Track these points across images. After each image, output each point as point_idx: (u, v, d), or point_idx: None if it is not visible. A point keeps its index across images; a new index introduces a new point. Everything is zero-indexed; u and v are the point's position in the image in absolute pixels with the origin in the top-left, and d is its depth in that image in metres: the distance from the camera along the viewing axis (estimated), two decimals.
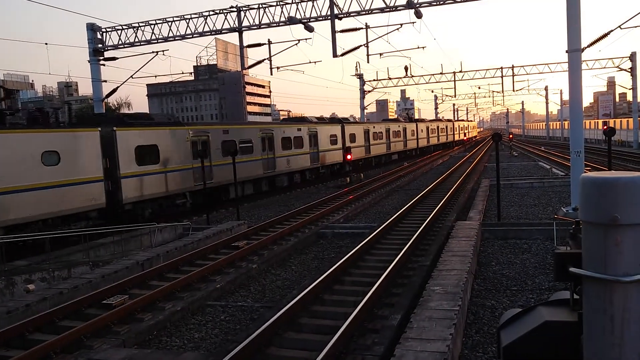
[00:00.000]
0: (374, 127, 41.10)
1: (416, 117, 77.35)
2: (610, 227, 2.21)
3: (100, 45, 26.52)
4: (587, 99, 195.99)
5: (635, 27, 28.62)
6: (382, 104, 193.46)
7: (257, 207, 22.85)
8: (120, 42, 26.33)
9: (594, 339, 2.31)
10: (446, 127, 70.18)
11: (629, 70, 50.65)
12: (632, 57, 50.34)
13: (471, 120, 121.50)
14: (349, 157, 33.52)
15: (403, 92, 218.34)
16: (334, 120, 37.21)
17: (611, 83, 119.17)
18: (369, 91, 52.57)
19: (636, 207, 2.19)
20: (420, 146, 54.84)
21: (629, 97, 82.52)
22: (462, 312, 8.01)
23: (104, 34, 26.56)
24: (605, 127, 17.61)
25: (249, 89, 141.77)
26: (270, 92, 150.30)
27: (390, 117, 61.06)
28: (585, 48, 23.69)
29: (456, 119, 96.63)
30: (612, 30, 24.81)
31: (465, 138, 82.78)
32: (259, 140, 25.28)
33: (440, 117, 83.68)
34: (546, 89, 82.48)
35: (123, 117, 20.47)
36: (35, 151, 14.77)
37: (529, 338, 2.96)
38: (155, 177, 19.02)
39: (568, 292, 3.11)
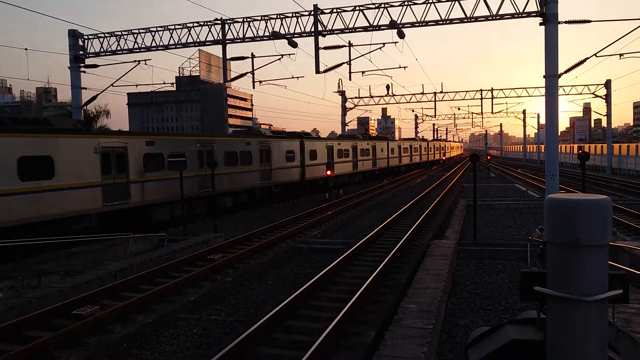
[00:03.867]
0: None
1: (396, 136, 76.54)
2: (573, 247, 2.28)
3: (81, 52, 26.28)
4: (563, 124, 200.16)
5: (611, 55, 29.60)
6: (363, 122, 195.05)
7: (234, 220, 22.72)
8: (102, 50, 26.13)
9: (557, 357, 2.36)
10: (374, 148, 45.05)
11: (604, 97, 51.98)
12: (607, 84, 51.74)
13: (450, 140, 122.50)
14: (329, 172, 33.60)
15: (384, 110, 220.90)
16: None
17: (587, 109, 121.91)
18: (351, 108, 52.92)
19: (598, 229, 2.27)
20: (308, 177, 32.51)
21: (604, 123, 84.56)
22: (436, 331, 8.04)
23: (86, 40, 26.35)
24: (580, 151, 18.00)
25: (230, 101, 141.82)
26: (252, 105, 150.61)
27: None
28: (562, 74, 24.28)
29: (435, 138, 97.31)
30: (588, 58, 25.52)
31: (445, 158, 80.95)
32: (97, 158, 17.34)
33: (423, 137, 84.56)
34: (524, 112, 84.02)
35: None
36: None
37: (495, 356, 3.00)
38: None
39: (535, 312, 3.17)
